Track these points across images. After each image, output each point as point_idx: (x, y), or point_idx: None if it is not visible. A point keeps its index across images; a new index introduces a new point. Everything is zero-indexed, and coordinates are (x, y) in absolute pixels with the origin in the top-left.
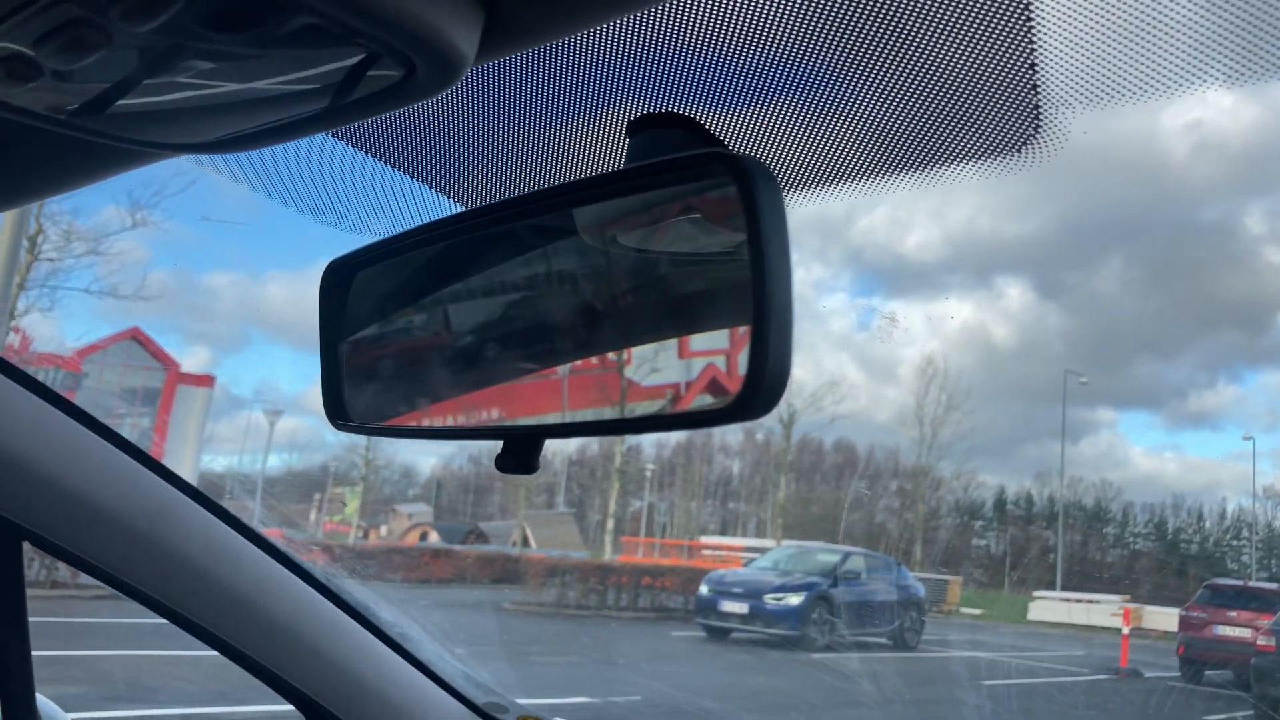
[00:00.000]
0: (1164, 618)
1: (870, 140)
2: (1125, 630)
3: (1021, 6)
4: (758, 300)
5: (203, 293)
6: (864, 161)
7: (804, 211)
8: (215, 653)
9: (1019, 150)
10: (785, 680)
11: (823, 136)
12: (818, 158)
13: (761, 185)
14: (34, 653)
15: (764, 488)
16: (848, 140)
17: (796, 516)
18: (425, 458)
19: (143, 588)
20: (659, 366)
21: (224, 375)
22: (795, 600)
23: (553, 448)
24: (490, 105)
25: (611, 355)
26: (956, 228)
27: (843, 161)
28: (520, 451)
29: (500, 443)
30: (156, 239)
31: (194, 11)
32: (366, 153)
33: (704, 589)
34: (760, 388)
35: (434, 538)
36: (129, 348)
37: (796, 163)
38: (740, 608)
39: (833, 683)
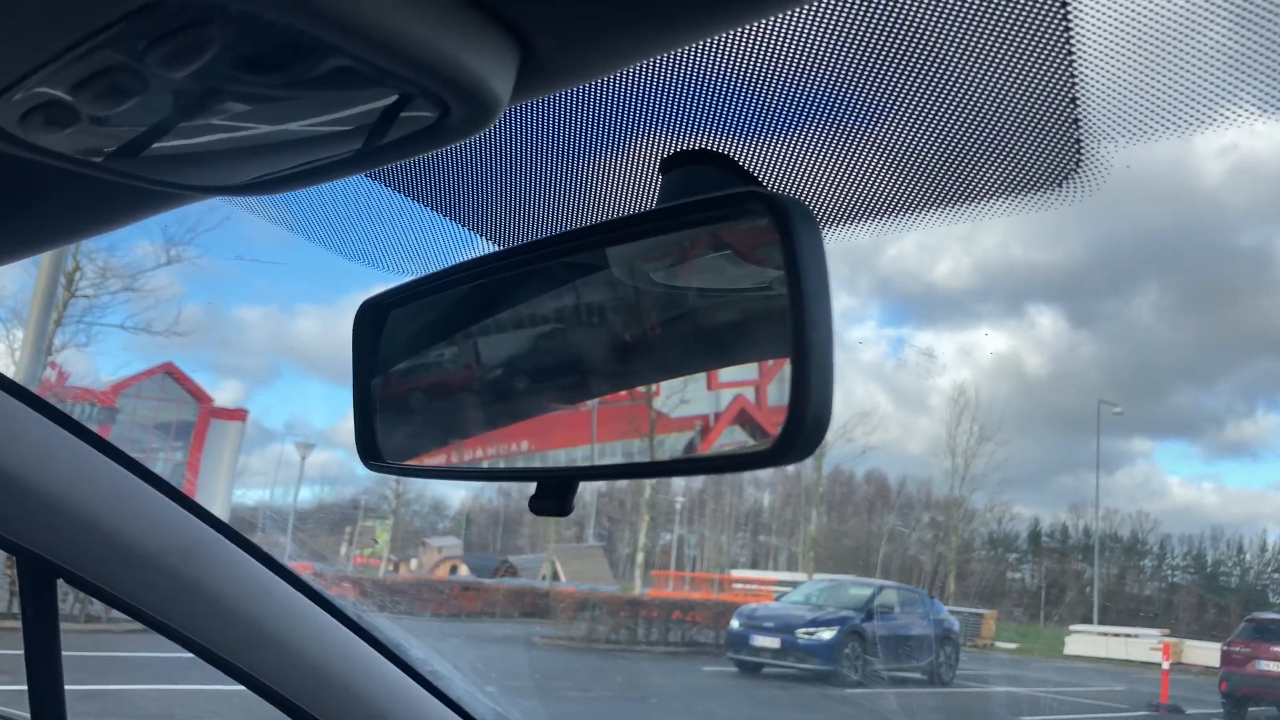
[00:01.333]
0: (1204, 652)
1: (908, 175)
2: (1165, 665)
3: (1062, 41)
4: (797, 343)
5: (235, 326)
6: (902, 196)
7: (834, 241)
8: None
9: (1059, 185)
10: (820, 717)
11: (860, 171)
12: (855, 193)
13: (800, 225)
14: (67, 687)
15: (795, 520)
16: (885, 175)
17: (828, 549)
18: (455, 491)
19: (174, 624)
20: (688, 398)
21: (255, 408)
22: (828, 635)
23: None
24: (521, 142)
25: (641, 389)
26: (987, 255)
27: (880, 196)
28: (554, 494)
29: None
30: (190, 274)
31: (228, 56)
32: (396, 190)
33: (735, 623)
34: (800, 432)
35: (464, 571)
36: (162, 382)
37: (833, 198)
38: (772, 642)
39: None
